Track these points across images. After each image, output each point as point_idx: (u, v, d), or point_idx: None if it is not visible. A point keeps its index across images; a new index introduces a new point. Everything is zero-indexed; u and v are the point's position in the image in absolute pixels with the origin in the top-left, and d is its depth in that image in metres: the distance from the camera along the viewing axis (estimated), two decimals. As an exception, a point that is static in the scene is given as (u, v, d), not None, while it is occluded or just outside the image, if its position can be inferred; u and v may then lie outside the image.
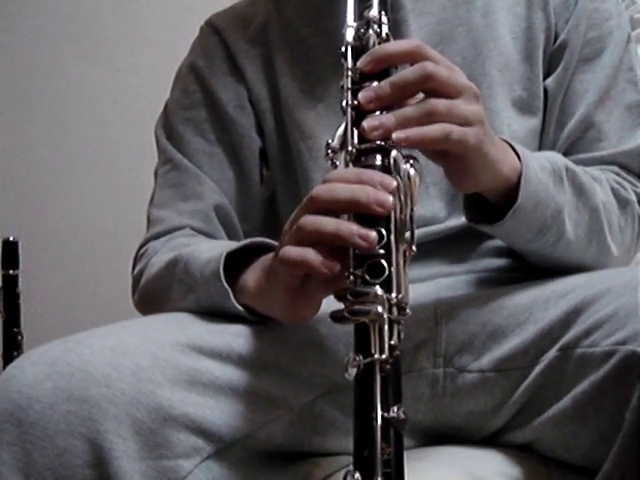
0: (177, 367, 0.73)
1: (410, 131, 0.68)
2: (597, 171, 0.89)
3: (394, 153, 0.67)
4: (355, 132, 0.68)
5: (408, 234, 0.65)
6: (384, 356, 0.62)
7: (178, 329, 0.77)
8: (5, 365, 1.48)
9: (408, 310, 0.64)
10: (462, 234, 0.86)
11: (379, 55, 0.70)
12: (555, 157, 0.84)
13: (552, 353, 0.75)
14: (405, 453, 0.62)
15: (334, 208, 0.66)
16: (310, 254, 0.65)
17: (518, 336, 0.78)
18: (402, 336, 0.63)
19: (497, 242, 0.89)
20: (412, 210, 0.66)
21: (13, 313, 1.52)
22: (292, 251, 0.66)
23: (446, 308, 0.83)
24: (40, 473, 0.67)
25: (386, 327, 0.62)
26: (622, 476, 0.66)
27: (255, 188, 0.99)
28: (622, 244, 0.88)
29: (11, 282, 1.52)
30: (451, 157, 0.72)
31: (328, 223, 0.65)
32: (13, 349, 1.51)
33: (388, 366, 0.62)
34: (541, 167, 0.79)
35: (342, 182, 0.66)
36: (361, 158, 0.68)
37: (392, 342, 0.62)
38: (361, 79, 0.70)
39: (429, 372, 0.82)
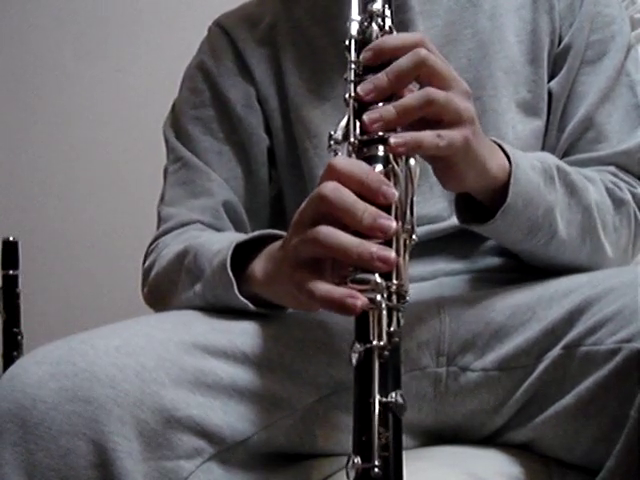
0: (182, 368, 0.73)
1: (406, 135, 0.68)
2: (592, 171, 0.89)
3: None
4: (357, 124, 0.69)
5: (409, 223, 0.66)
6: (382, 343, 0.62)
7: (183, 328, 0.77)
8: (5, 365, 1.48)
9: (408, 298, 0.64)
10: (466, 232, 0.86)
11: (380, 47, 0.71)
12: (546, 157, 0.84)
13: (556, 351, 0.75)
14: (405, 453, 0.62)
15: (343, 217, 0.65)
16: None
17: (522, 335, 0.78)
18: (402, 323, 0.64)
19: (500, 240, 0.89)
20: (412, 200, 0.66)
21: (13, 313, 1.52)
22: (315, 288, 0.65)
23: (449, 307, 0.83)
24: (44, 474, 0.67)
25: (384, 314, 0.62)
26: (625, 473, 0.67)
27: (263, 186, 1.00)
28: (617, 244, 0.88)
29: (11, 282, 1.52)
30: (436, 157, 0.73)
31: (348, 242, 0.64)
32: (13, 349, 1.50)
33: (386, 352, 0.62)
34: (531, 166, 0.79)
35: (348, 177, 0.65)
36: (363, 149, 0.68)
37: (391, 329, 0.63)
38: (364, 72, 0.71)
39: (432, 371, 0.82)
